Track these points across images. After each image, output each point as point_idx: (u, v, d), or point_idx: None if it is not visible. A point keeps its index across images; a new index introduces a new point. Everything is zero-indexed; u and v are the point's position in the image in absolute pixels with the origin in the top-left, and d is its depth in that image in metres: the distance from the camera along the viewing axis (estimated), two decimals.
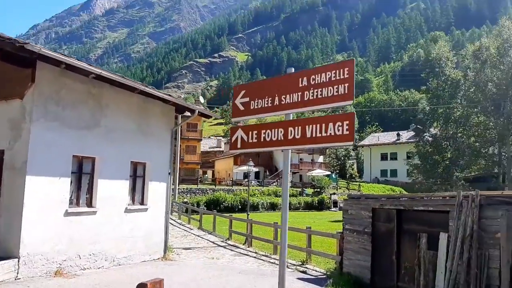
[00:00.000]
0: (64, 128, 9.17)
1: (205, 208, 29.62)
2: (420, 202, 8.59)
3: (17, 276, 8.04)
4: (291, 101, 4.38)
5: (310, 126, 4.19)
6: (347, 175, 66.43)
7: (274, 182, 45.98)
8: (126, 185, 10.92)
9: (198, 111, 13.58)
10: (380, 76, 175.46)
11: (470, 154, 28.60)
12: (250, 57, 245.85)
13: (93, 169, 10.06)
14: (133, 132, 11.19)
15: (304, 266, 11.38)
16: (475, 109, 30.58)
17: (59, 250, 8.95)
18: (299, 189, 42.52)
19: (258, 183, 45.43)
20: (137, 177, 11.60)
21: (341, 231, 10.65)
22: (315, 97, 4.17)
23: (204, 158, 55.54)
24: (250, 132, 4.79)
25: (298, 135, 4.28)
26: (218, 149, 62.59)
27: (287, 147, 4.42)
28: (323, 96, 4.10)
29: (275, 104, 4.54)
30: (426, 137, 31.83)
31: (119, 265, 10.54)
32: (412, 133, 65.84)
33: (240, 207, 32.56)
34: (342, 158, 68.90)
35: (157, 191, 12.05)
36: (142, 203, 11.67)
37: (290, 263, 11.83)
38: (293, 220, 27.10)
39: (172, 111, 12.72)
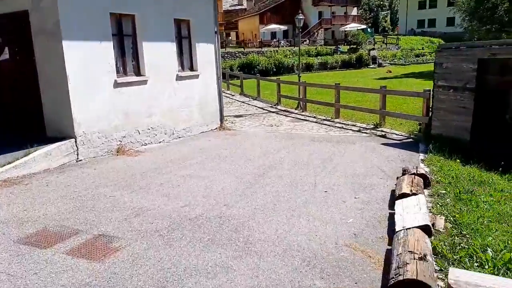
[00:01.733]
0: None
1: (240, 72, 28.14)
2: None
3: (77, 158, 7.17)
4: None
5: None
6: (380, 29, 61.67)
7: (305, 40, 42.90)
8: (173, 48, 9.26)
9: None
10: None
11: None
12: None
13: (135, 29, 8.31)
14: None
15: (378, 129, 10.21)
16: None
17: (117, 126, 7.90)
18: (333, 47, 39.67)
19: (288, 43, 42.58)
20: (183, 38, 9.85)
21: (428, 89, 9.08)
22: None
23: (226, 18, 51.57)
24: None
25: None
26: (239, 7, 57.60)
27: None
28: None
29: None
30: None
31: (179, 137, 9.64)
32: None
33: (275, 69, 30.81)
34: (375, 9, 62.98)
35: (205, 54, 10.40)
36: (192, 68, 10.17)
37: (362, 127, 10.68)
38: (334, 80, 25.51)
39: None
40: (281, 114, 13.86)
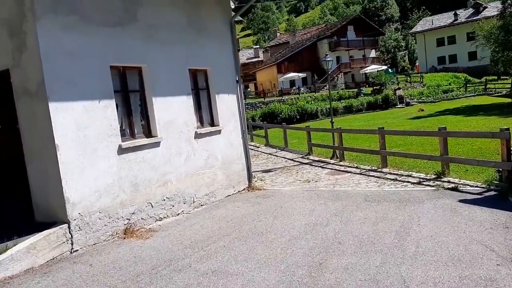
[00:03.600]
0: (87, 24, 5.95)
1: (261, 122, 26.91)
2: None
3: (72, 248, 5.55)
4: None
5: None
6: (399, 68, 60.64)
7: (325, 85, 41.92)
8: (190, 102, 7.88)
9: None
10: None
11: None
12: None
13: (142, 83, 6.99)
14: (182, 27, 7.84)
15: (444, 180, 8.31)
16: None
17: (123, 202, 6.33)
18: (355, 90, 38.43)
19: (308, 90, 41.72)
20: (200, 89, 8.50)
21: (507, 127, 7.25)
22: None
23: (243, 71, 51.70)
24: None
25: None
26: (256, 59, 58.12)
27: None
28: None
29: None
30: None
31: (201, 205, 7.99)
32: (471, 10, 57.60)
33: (298, 117, 29.50)
34: (392, 50, 62.42)
35: (227, 105, 8.99)
36: (212, 123, 8.72)
37: (421, 178, 8.79)
38: (363, 123, 23.88)
39: None
40: (316, 166, 12.12)
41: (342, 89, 41.69)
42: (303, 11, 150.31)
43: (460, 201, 6.66)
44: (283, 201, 7.97)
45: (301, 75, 43.37)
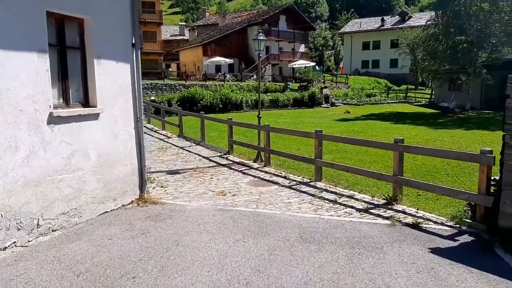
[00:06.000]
0: None
1: (179, 108, 23.82)
2: None
3: None
4: None
5: None
6: (324, 68, 60.96)
7: (253, 75, 39.81)
8: (43, 64, 4.84)
9: None
10: None
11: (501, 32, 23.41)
12: None
13: None
14: None
15: (397, 208, 6.40)
16: None
17: None
18: (282, 84, 36.88)
19: (234, 78, 39.20)
20: (68, 48, 5.48)
21: (489, 149, 5.46)
22: None
23: (166, 48, 47.43)
24: None
25: None
26: (181, 37, 53.85)
27: None
28: None
29: None
30: (445, 16, 25.80)
31: (54, 231, 5.07)
32: (397, 18, 59.78)
33: (221, 106, 26.82)
34: (320, 48, 62.55)
35: (113, 78, 6.08)
36: (86, 103, 5.76)
37: (368, 202, 6.80)
38: (289, 120, 22.10)
39: None
40: (236, 170, 9.69)
41: (269, 81, 39.88)
42: None
43: (433, 251, 4.67)
44: (183, 230, 5.35)
45: (228, 61, 40.60)
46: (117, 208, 6.21)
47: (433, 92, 36.95)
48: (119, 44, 6.19)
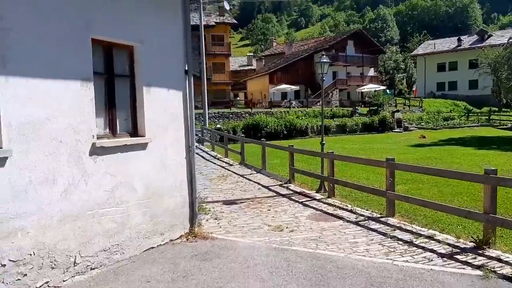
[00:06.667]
0: None
1: (243, 135, 23.77)
2: None
3: None
4: None
5: None
6: (396, 91, 58.20)
7: (318, 101, 38.99)
8: (87, 93, 4.66)
9: None
10: None
11: None
12: None
13: None
14: None
15: (489, 254, 5.20)
16: None
17: None
18: (350, 108, 35.58)
19: (300, 104, 38.77)
20: (117, 76, 5.30)
21: None
22: None
23: (234, 78, 48.69)
24: None
25: None
26: (249, 67, 55.10)
27: None
28: None
29: None
30: None
31: (92, 269, 4.74)
32: (475, 37, 55.76)
33: (285, 132, 26.35)
34: (391, 71, 60.09)
35: (164, 106, 5.81)
36: (135, 132, 5.52)
37: (451, 245, 5.66)
38: (357, 146, 20.86)
39: None
40: (296, 201, 8.94)
41: (336, 106, 38.86)
42: (303, 26, 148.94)
43: None
44: (230, 273, 4.73)
45: (294, 88, 40.43)
46: (164, 244, 5.80)
47: None
48: (171, 71, 5.95)
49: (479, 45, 50.71)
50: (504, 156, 15.22)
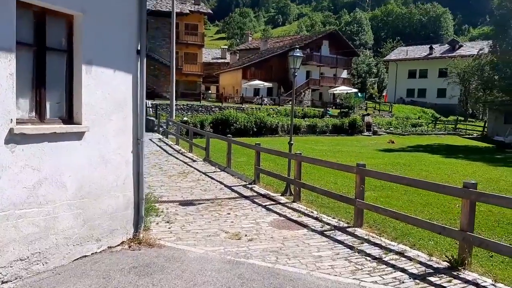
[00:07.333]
0: None
1: (211, 130, 22.92)
2: None
3: None
4: None
5: None
6: (367, 95, 58.82)
7: (291, 100, 38.61)
8: (6, 67, 3.76)
9: None
10: None
11: None
12: None
13: None
14: None
15: (464, 276, 4.71)
16: None
17: None
18: (321, 109, 35.36)
19: (272, 101, 38.22)
20: (50, 50, 4.41)
21: None
22: None
23: (206, 71, 47.45)
24: None
25: None
26: (222, 60, 54.02)
27: None
28: None
29: None
30: (504, 43, 23.42)
31: (3, 283, 3.86)
32: (447, 46, 57.13)
33: (255, 129, 25.68)
34: (363, 74, 60.66)
35: (108, 89, 4.96)
36: (70, 118, 4.64)
37: (424, 263, 5.14)
38: (327, 148, 20.50)
39: None
40: (260, 204, 8.27)
41: (308, 106, 38.54)
42: (280, 24, 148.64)
43: None
44: None
45: (267, 84, 39.79)
46: (100, 252, 4.96)
47: (486, 125, 34.04)
48: (119, 50, 5.10)
49: (449, 54, 51.97)
50: (472, 166, 15.18)
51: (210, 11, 45.95)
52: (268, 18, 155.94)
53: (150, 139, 19.14)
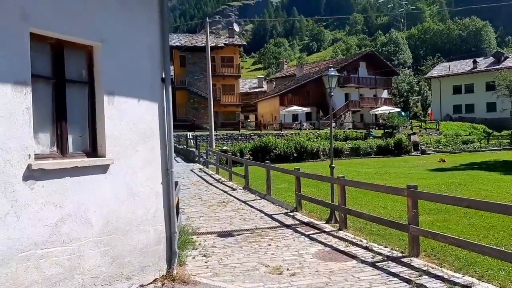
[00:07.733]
0: None
1: (251, 158, 22.65)
2: None
3: None
4: None
5: None
6: (411, 114, 56.68)
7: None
8: (20, 100, 3.63)
9: None
10: (433, 5, 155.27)
11: None
12: None
13: None
14: None
15: None
16: None
17: None
18: (363, 131, 34.27)
19: (311, 126, 37.64)
20: (70, 82, 4.28)
21: None
22: None
23: (244, 100, 47.94)
24: None
25: None
26: (259, 89, 54.48)
27: None
28: None
29: None
30: None
31: None
32: (491, 59, 54.37)
33: (295, 155, 25.12)
34: (405, 93, 58.79)
35: (132, 119, 4.76)
36: (94, 151, 4.45)
37: None
38: (373, 171, 19.49)
39: None
40: (302, 234, 7.68)
41: (349, 128, 37.60)
42: (315, 50, 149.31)
43: None
44: None
45: (305, 109, 39.44)
46: None
47: None
48: (143, 79, 4.93)
49: (495, 67, 49.38)
50: None
51: (245, 43, 46.96)
52: (302, 46, 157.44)
53: (191, 170, 19.16)
